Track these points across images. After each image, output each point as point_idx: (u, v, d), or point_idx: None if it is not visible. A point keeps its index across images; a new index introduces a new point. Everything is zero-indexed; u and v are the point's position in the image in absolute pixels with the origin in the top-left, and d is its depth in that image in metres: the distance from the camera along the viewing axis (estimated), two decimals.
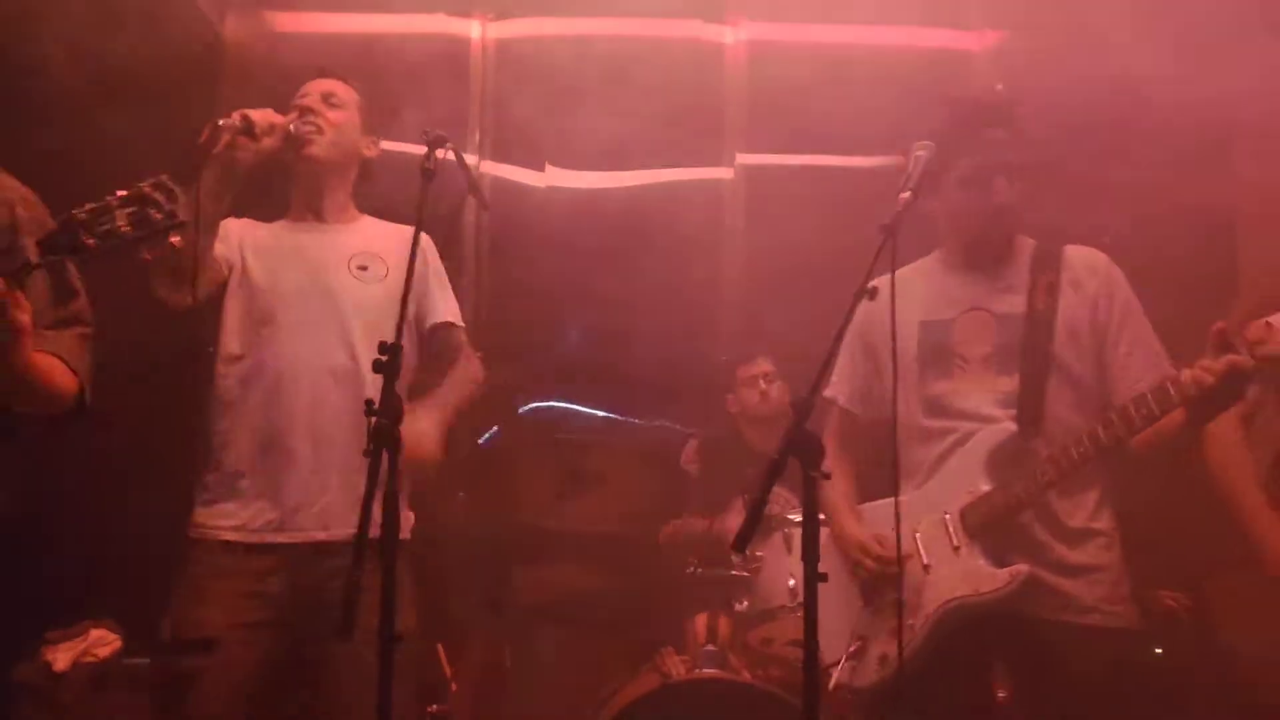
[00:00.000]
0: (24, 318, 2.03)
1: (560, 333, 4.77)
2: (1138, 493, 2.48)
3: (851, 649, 2.46)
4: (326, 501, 2.50)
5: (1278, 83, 3.74)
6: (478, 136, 4.60)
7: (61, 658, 3.38)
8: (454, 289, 2.85)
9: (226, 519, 2.50)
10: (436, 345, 2.76)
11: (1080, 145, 3.83)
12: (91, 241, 2.02)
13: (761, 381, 3.98)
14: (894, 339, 2.23)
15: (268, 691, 2.40)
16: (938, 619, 2.40)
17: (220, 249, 2.60)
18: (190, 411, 2.65)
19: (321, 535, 2.49)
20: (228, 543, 2.48)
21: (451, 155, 2.34)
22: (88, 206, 2.04)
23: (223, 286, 2.63)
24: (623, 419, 4.27)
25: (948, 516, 2.44)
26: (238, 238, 2.68)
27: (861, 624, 2.50)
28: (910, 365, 2.54)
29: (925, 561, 2.44)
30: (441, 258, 2.84)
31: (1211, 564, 2.88)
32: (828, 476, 2.01)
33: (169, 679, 2.43)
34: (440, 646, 3.01)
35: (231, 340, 2.60)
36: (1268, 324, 2.20)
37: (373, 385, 2.17)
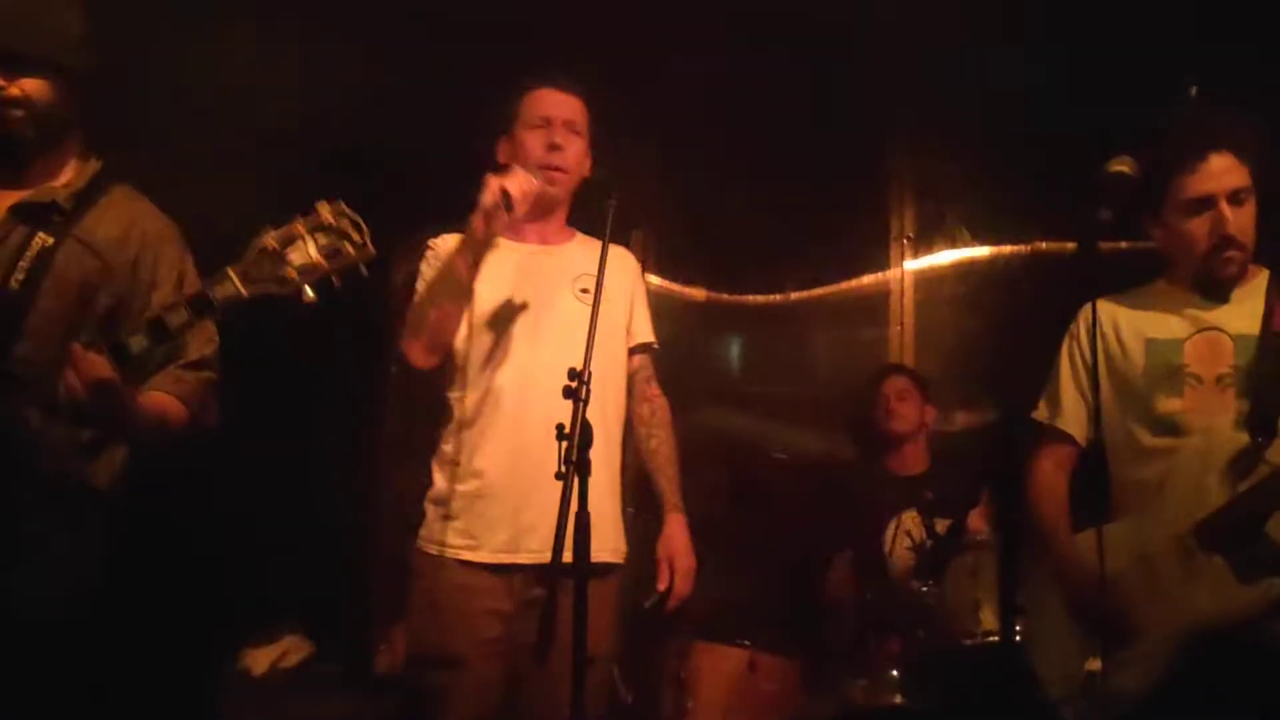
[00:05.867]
0: (104, 374, 1.88)
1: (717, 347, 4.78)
2: None
3: (1082, 679, 2.35)
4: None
5: None
6: None
7: (259, 662, 3.58)
8: None
9: (463, 538, 2.50)
10: (631, 369, 2.75)
11: None
12: (293, 274, 1.85)
13: (892, 399, 3.81)
14: (1094, 359, 2.15)
15: (506, 708, 2.43)
16: (1180, 641, 2.28)
17: None
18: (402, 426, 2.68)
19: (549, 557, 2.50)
20: (465, 561, 2.50)
21: None
22: (273, 233, 1.88)
23: None
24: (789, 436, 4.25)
25: (1182, 534, 2.33)
26: None
27: (1088, 655, 2.36)
28: (1136, 383, 2.45)
29: (1161, 585, 2.33)
30: None
31: None
32: (1024, 516, 1.97)
33: (414, 694, 2.45)
34: (614, 668, 3.02)
35: (462, 359, 2.58)
36: None
37: (596, 407, 2.17)
